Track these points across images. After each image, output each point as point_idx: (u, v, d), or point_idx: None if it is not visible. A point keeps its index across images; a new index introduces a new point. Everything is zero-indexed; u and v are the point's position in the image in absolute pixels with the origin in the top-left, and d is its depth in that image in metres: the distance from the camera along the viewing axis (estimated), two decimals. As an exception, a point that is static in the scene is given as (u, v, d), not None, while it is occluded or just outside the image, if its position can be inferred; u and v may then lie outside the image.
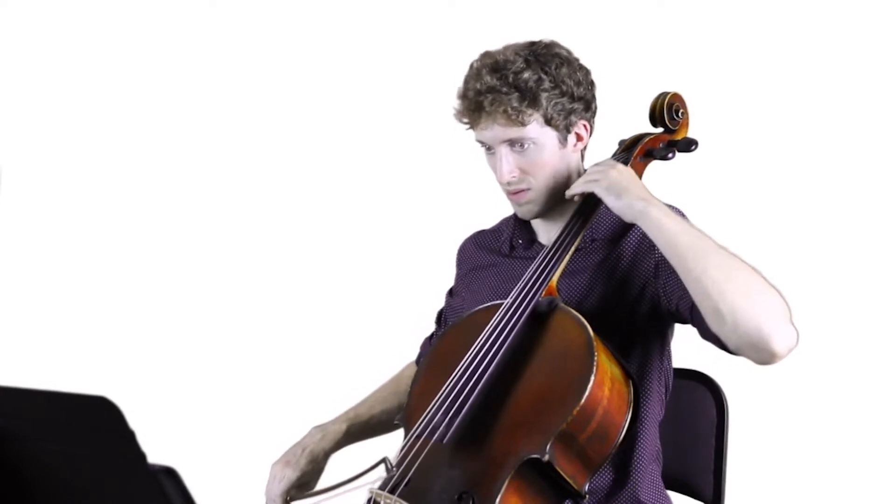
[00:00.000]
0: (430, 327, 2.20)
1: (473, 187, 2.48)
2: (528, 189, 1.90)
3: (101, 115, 3.44)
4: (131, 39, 3.44)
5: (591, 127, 1.95)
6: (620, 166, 1.85)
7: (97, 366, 3.32)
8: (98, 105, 3.44)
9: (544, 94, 1.84)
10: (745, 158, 3.18)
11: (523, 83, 1.83)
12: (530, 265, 1.87)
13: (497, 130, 1.86)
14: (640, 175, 1.95)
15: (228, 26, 3.44)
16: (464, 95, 1.89)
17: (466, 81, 1.89)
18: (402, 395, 2.10)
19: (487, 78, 1.84)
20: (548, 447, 1.62)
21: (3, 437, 1.25)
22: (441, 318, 2.18)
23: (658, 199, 1.79)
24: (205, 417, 3.31)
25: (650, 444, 1.91)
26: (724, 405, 2.04)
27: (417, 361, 2.18)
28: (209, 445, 3.21)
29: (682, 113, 1.98)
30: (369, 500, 1.72)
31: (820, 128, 3.18)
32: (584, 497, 1.68)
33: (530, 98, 1.83)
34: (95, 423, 1.17)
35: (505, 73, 1.83)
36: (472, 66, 1.90)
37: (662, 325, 1.89)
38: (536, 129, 1.86)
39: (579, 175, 1.93)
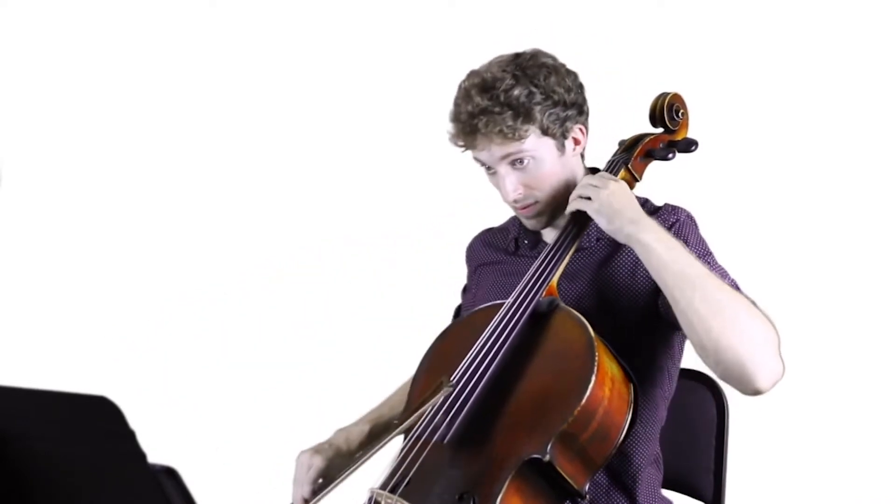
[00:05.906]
0: (436, 330, 2.19)
1: (478, 188, 2.48)
2: (536, 202, 1.90)
3: (101, 115, 3.44)
4: (131, 39, 3.44)
5: (587, 128, 1.95)
6: (613, 185, 1.81)
7: (97, 366, 3.31)
8: (98, 105, 3.44)
9: (537, 108, 1.83)
10: (745, 159, 3.18)
11: (515, 100, 1.81)
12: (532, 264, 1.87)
13: (494, 150, 1.84)
14: (640, 175, 1.95)
15: (228, 26, 3.43)
16: (456, 118, 1.87)
17: (457, 104, 1.86)
18: None
19: (478, 99, 1.82)
20: (548, 447, 1.62)
21: (3, 437, 1.25)
22: (458, 315, 2.19)
23: (650, 219, 1.76)
24: (205, 417, 3.31)
25: (650, 447, 1.91)
26: (724, 405, 2.05)
27: None
28: (209, 445, 3.21)
29: (682, 113, 1.98)
30: (370, 500, 1.72)
31: (819, 128, 3.18)
32: (585, 497, 1.68)
33: (524, 114, 1.81)
34: (95, 423, 1.17)
35: (495, 92, 1.81)
36: (460, 87, 1.88)
37: (669, 323, 1.83)
38: (533, 142, 1.84)
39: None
